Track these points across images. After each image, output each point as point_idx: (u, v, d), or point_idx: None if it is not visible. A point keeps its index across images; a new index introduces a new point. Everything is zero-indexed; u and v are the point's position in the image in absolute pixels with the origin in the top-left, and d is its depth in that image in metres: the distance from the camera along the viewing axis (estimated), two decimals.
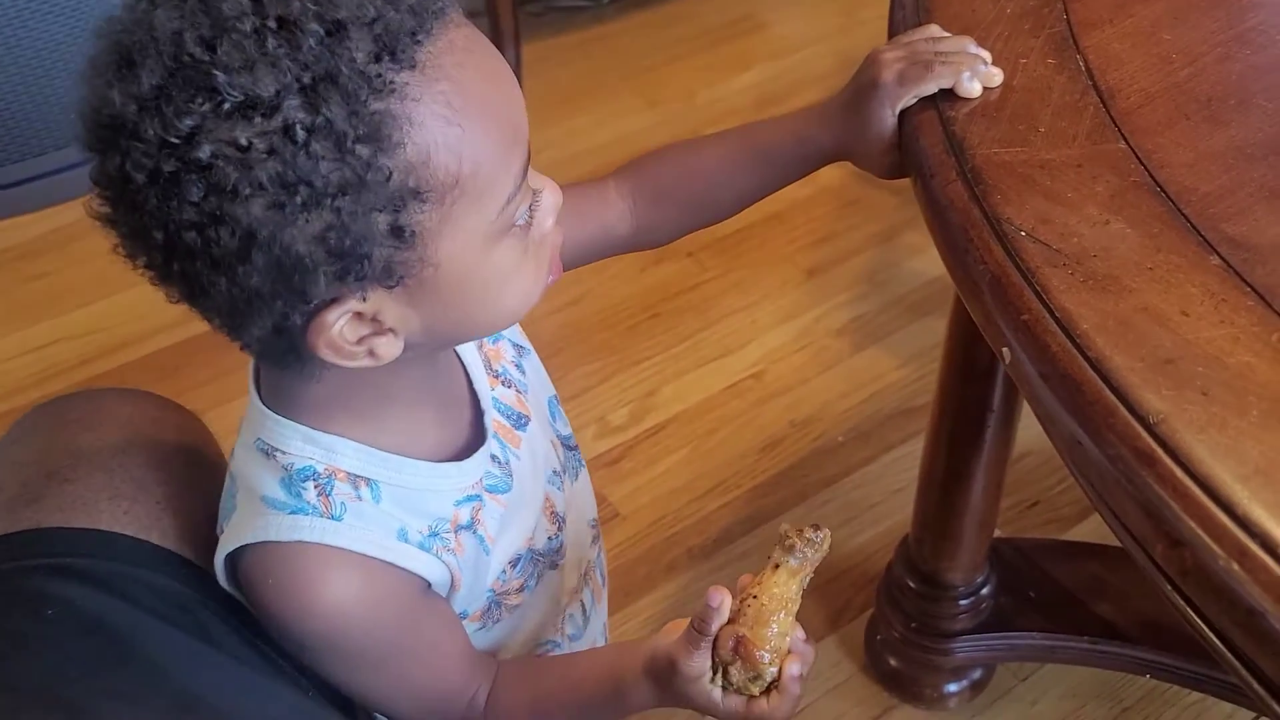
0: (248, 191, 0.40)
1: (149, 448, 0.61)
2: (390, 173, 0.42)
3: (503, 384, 0.63)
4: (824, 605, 1.24)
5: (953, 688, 1.14)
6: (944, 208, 0.52)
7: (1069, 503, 1.34)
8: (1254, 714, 1.11)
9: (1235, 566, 0.36)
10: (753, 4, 2.24)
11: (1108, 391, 0.43)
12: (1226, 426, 0.40)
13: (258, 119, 0.40)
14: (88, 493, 0.57)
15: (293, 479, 0.52)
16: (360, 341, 0.47)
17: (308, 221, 0.41)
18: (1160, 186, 0.51)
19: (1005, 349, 0.47)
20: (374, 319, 0.47)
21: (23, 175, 1.70)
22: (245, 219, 0.41)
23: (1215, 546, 0.37)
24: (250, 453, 0.53)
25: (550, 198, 0.52)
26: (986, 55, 0.58)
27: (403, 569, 0.54)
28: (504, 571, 0.62)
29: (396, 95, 0.42)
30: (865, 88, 0.61)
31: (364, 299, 0.45)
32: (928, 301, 1.58)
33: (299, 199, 0.41)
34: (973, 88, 0.57)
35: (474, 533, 0.58)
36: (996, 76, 0.57)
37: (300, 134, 0.40)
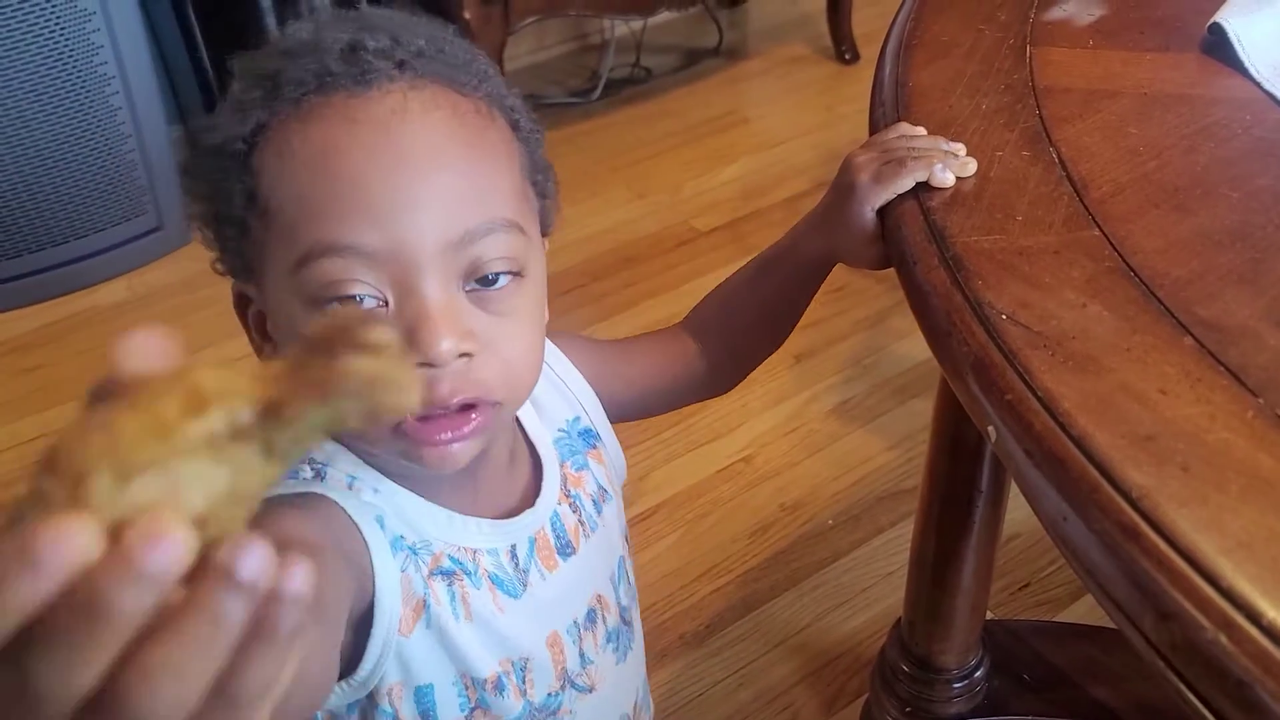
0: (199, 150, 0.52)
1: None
2: (242, 172, 0.49)
3: (570, 506, 0.61)
4: (818, 692, 1.23)
5: None
6: (927, 293, 0.54)
7: (1061, 584, 1.34)
8: None
9: (1223, 639, 0.37)
10: (736, 100, 2.31)
11: (1091, 468, 0.44)
12: (1208, 501, 0.42)
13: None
14: None
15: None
16: (261, 335, 0.53)
17: (205, 187, 0.51)
18: (1134, 271, 0.53)
19: (991, 428, 0.49)
20: (260, 318, 0.52)
21: (18, 271, 1.73)
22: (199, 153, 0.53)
23: (1202, 619, 0.38)
24: None
25: (432, 340, 0.46)
26: (959, 148, 0.60)
27: (360, 532, 0.50)
28: (466, 685, 0.55)
29: (254, 110, 0.49)
30: (844, 191, 0.63)
31: (247, 283, 0.52)
32: (915, 384, 1.60)
33: (207, 164, 0.51)
34: (946, 178, 0.59)
35: (449, 586, 0.54)
36: (970, 166, 0.60)
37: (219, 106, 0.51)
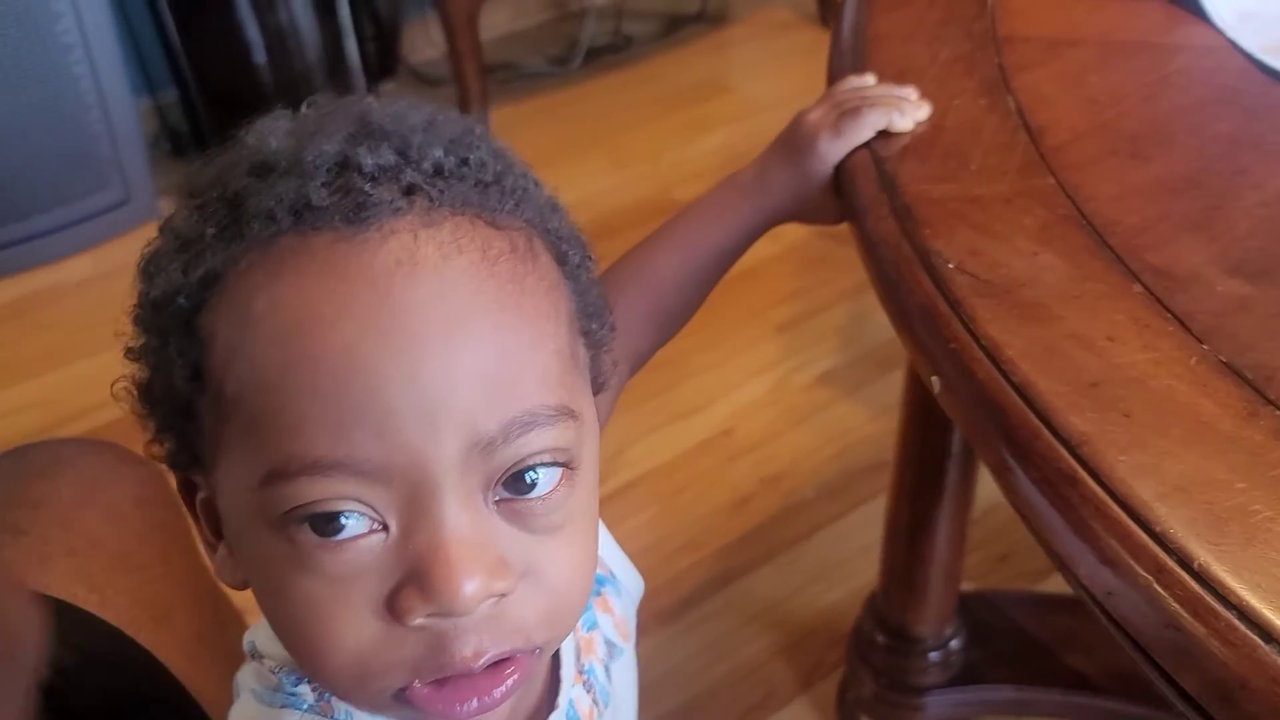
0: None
1: (106, 501, 0.60)
2: (175, 329, 0.36)
3: (584, 686, 0.48)
4: (794, 665, 1.22)
5: None
6: (876, 244, 0.53)
7: (1040, 554, 1.32)
8: None
9: (1155, 584, 0.36)
10: (718, 68, 2.28)
11: (1032, 415, 0.43)
12: (1148, 447, 0.40)
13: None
14: (45, 546, 0.56)
15: (281, 682, 0.40)
16: (211, 528, 0.40)
17: (149, 353, 0.38)
18: (1087, 219, 0.51)
19: (935, 378, 0.47)
20: (209, 506, 0.39)
21: None
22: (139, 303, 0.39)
23: (1135, 564, 0.37)
24: (248, 656, 0.43)
25: (450, 583, 0.33)
26: (910, 92, 0.59)
27: None
28: None
29: (208, 249, 0.35)
30: (802, 149, 0.61)
31: (196, 474, 0.39)
32: (898, 356, 1.59)
33: (145, 328, 0.38)
34: (903, 123, 0.58)
35: None
36: (924, 109, 0.59)
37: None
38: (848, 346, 1.61)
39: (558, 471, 0.36)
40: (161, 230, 0.38)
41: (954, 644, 1.07)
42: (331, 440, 0.32)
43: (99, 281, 1.73)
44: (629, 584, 0.54)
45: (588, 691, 0.48)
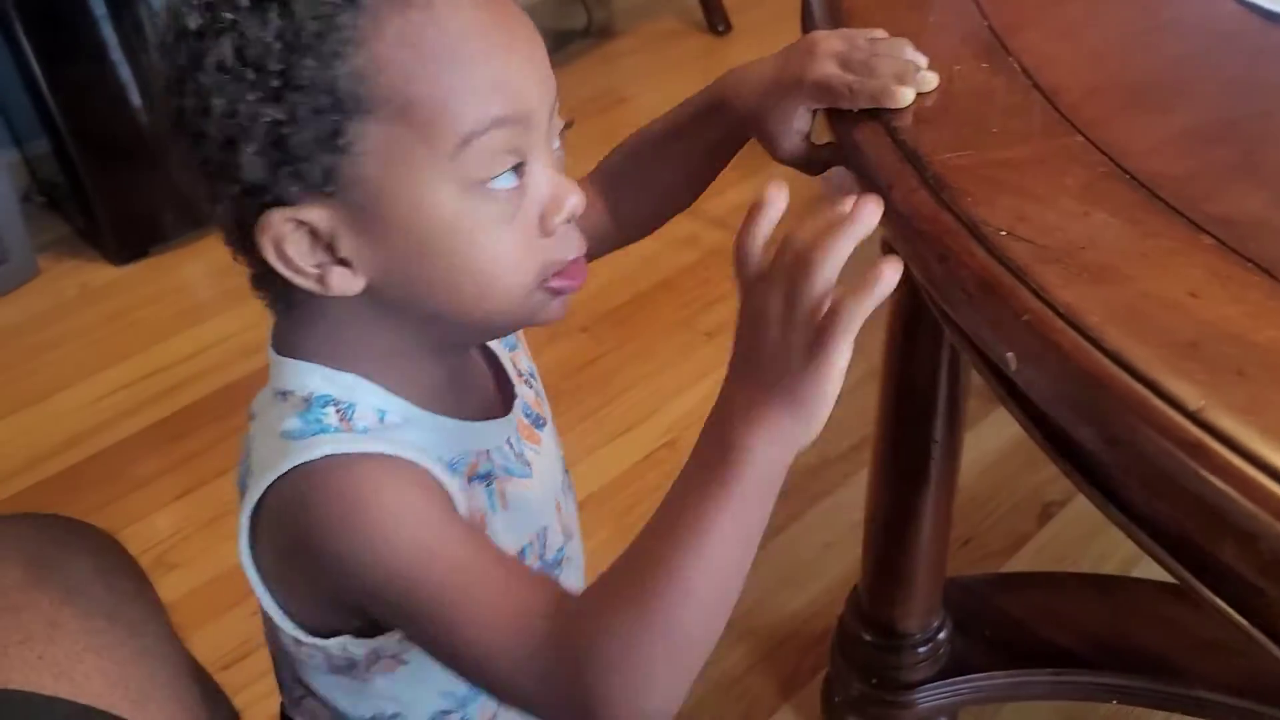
0: (210, 60, 0.45)
1: (61, 579, 0.52)
2: (336, 76, 0.45)
3: (525, 383, 0.63)
4: (773, 674, 1.19)
5: None
6: (910, 218, 0.49)
7: (1000, 535, 1.32)
8: None
9: None
10: (611, 80, 2.25)
11: (1137, 384, 0.39)
12: (1272, 404, 0.37)
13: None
14: None
15: (311, 407, 0.50)
16: (318, 266, 0.48)
17: (257, 101, 0.44)
18: (1130, 174, 0.49)
19: (1010, 355, 0.44)
20: (329, 245, 0.48)
21: None
22: (205, 85, 0.45)
23: None
24: (266, 405, 0.52)
25: (569, 196, 0.50)
26: (923, 60, 0.55)
27: (435, 477, 0.49)
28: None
29: (357, 8, 0.45)
30: (790, 79, 0.56)
31: (308, 208, 0.47)
32: None
33: (249, 76, 0.44)
34: (906, 95, 0.53)
35: (487, 487, 0.55)
36: (932, 80, 0.54)
37: (267, 15, 0.44)
38: None
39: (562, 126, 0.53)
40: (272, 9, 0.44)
41: (940, 635, 1.05)
42: (502, 100, 0.47)
43: None
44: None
45: (529, 387, 0.63)
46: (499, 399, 0.61)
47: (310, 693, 0.59)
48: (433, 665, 0.49)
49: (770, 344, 0.43)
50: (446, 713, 0.59)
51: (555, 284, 0.52)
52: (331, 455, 0.47)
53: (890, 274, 0.41)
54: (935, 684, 1.05)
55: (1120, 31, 0.59)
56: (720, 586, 0.44)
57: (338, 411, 0.50)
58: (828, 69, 0.55)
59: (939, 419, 0.86)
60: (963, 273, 0.46)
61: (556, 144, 0.52)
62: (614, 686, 0.42)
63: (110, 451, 1.44)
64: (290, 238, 0.47)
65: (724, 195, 1.86)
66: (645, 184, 0.65)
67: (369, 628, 0.53)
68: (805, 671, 1.19)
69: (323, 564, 0.47)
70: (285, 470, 0.47)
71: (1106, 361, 0.40)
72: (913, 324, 0.83)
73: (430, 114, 0.46)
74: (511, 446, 0.58)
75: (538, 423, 0.63)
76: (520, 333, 0.66)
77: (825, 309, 0.42)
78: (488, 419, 0.57)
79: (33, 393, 1.53)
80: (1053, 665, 1.04)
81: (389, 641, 0.53)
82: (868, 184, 0.53)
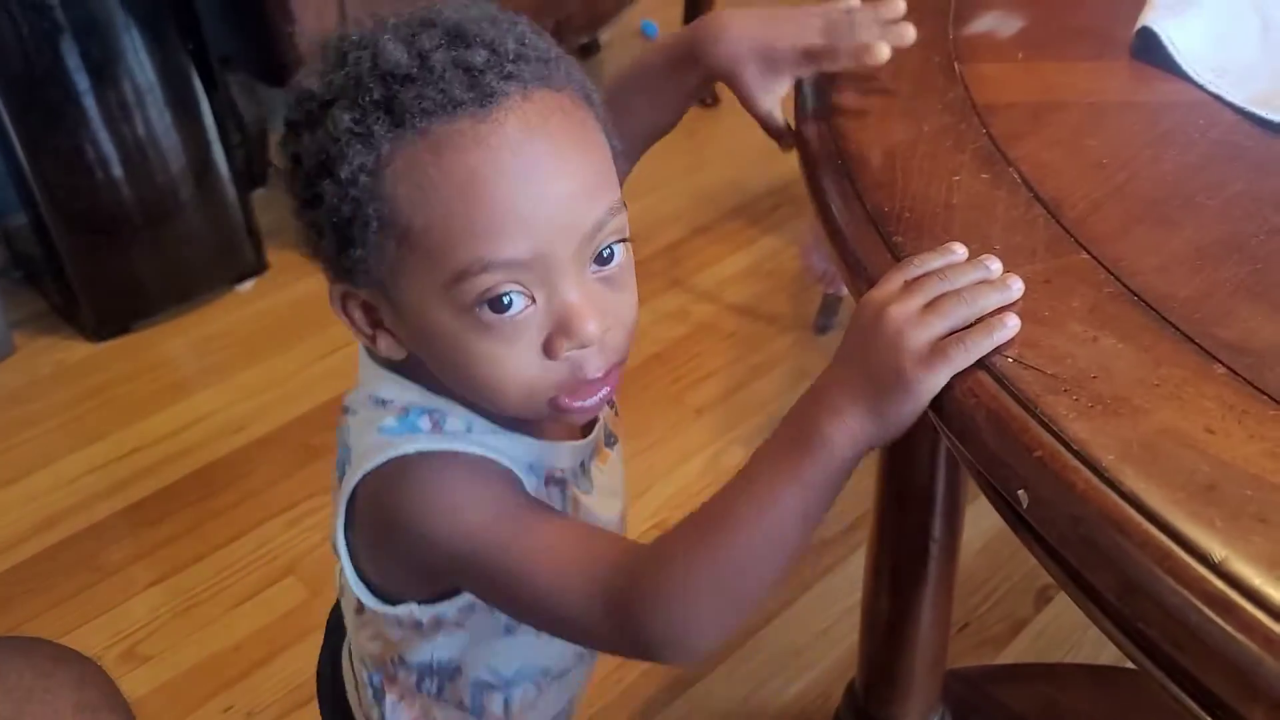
0: (287, 152, 0.52)
1: (41, 715, 0.50)
2: (352, 196, 0.49)
3: (605, 402, 0.65)
4: None
5: None
6: None
7: (998, 620, 1.30)
8: None
9: None
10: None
11: (1156, 531, 0.38)
12: None
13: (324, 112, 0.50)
14: None
15: (407, 414, 0.56)
16: (371, 328, 0.55)
17: (306, 198, 0.51)
18: (1137, 295, 0.47)
19: (1021, 492, 0.42)
20: (374, 317, 0.54)
21: None
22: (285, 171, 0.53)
23: None
24: (362, 405, 0.58)
25: (584, 326, 0.51)
26: (898, 9, 0.61)
27: (513, 471, 0.56)
28: None
29: (378, 140, 0.48)
30: (779, 49, 0.61)
31: (356, 287, 0.53)
32: None
33: (299, 176, 0.51)
34: (883, 51, 0.59)
35: (562, 493, 0.60)
36: (910, 33, 0.61)
37: (314, 132, 0.50)
38: (771, 423, 1.57)
39: (623, 245, 0.54)
40: (319, 125, 0.50)
41: None
42: (496, 247, 0.49)
43: None
44: None
45: (610, 406, 0.67)
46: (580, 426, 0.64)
47: (369, 630, 0.65)
48: (486, 639, 0.61)
49: (882, 348, 0.46)
50: (491, 686, 0.64)
51: (561, 403, 0.53)
52: (423, 451, 0.54)
53: (1013, 322, 0.45)
54: None
55: (1123, 141, 0.58)
56: (772, 553, 0.48)
57: (431, 419, 0.56)
58: (812, 38, 0.60)
59: (937, 518, 0.84)
60: (971, 402, 0.44)
61: (613, 253, 0.53)
62: (664, 622, 0.49)
63: (83, 536, 1.40)
64: (349, 302, 0.55)
65: (712, 269, 1.87)
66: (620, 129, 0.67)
67: (435, 595, 0.59)
68: None
69: (411, 541, 0.54)
70: (381, 462, 0.54)
71: (1123, 504, 0.39)
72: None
73: (428, 246, 0.49)
74: (584, 465, 0.63)
75: (609, 440, 0.67)
76: None
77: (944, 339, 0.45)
78: (569, 440, 0.62)
79: (5, 474, 1.49)
80: None
81: (450, 609, 0.59)
82: (860, 300, 0.51)
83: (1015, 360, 0.44)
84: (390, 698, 0.66)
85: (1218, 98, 0.60)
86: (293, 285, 1.84)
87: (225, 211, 1.75)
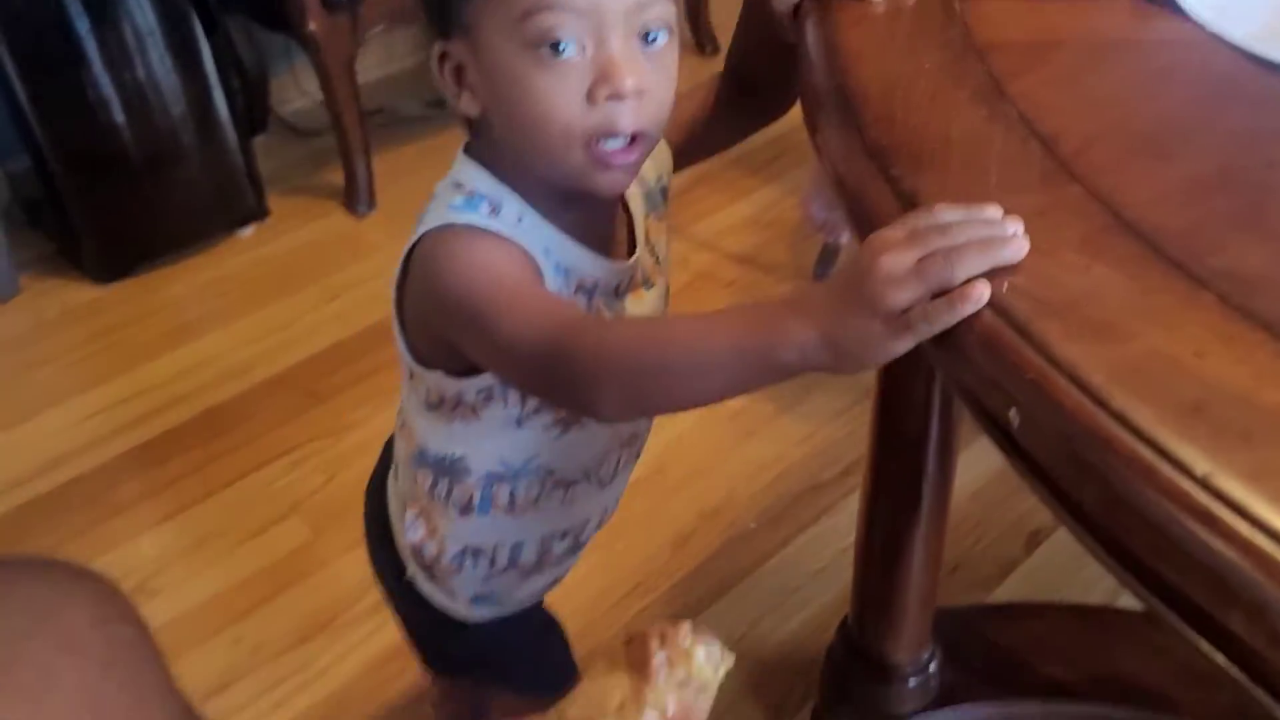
0: None
1: (58, 629, 0.51)
2: None
3: (649, 252, 0.74)
4: (762, 702, 1.18)
5: None
6: None
7: (988, 562, 1.32)
8: None
9: None
10: None
11: (1143, 447, 0.39)
12: (1279, 471, 0.37)
13: None
14: None
15: (472, 199, 0.64)
16: (458, 85, 0.64)
17: None
18: (1130, 226, 0.48)
19: (1012, 411, 0.43)
20: (458, 69, 0.64)
21: None
22: None
23: None
24: (445, 187, 0.66)
25: (621, 79, 0.59)
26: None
27: (541, 266, 0.64)
28: None
29: None
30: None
31: (450, 42, 0.63)
32: (816, 377, 1.57)
33: None
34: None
35: (588, 300, 0.68)
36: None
37: None
38: None
39: (666, 33, 0.62)
40: None
41: (931, 667, 1.04)
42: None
43: None
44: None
45: (651, 255, 0.74)
46: (626, 251, 0.72)
47: (405, 424, 0.76)
48: (499, 430, 0.70)
49: (863, 299, 0.47)
50: (499, 477, 0.73)
51: (596, 150, 0.61)
52: (471, 225, 0.63)
53: (978, 294, 0.44)
54: (925, 715, 1.04)
55: (1120, 78, 0.59)
56: (685, 387, 0.55)
57: (490, 207, 0.64)
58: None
59: (931, 453, 0.86)
60: (964, 327, 0.45)
61: (657, 37, 0.61)
62: (585, 388, 0.56)
63: (92, 475, 1.42)
64: (445, 63, 0.64)
65: (712, 218, 1.88)
66: (748, 70, 0.79)
67: (458, 369, 0.67)
68: (794, 700, 1.19)
69: (430, 294, 0.63)
70: (436, 226, 0.63)
71: (1111, 422, 0.40)
72: (905, 360, 0.82)
73: None
74: (617, 289, 0.71)
75: (646, 283, 0.74)
76: (665, 211, 0.78)
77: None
78: (607, 257, 0.69)
79: (13, 414, 1.51)
80: (1042, 696, 1.04)
81: (470, 389, 0.68)
82: (864, 230, 0.53)
83: (1009, 287, 0.46)
84: (410, 512, 0.77)
85: (1217, 36, 0.61)
86: (293, 232, 1.85)
87: (226, 156, 1.75)
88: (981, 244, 0.45)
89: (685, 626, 0.37)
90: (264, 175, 1.84)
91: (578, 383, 0.57)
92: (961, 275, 0.45)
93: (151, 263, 1.75)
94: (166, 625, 1.24)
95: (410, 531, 0.78)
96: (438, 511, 0.76)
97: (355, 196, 1.88)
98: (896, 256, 0.46)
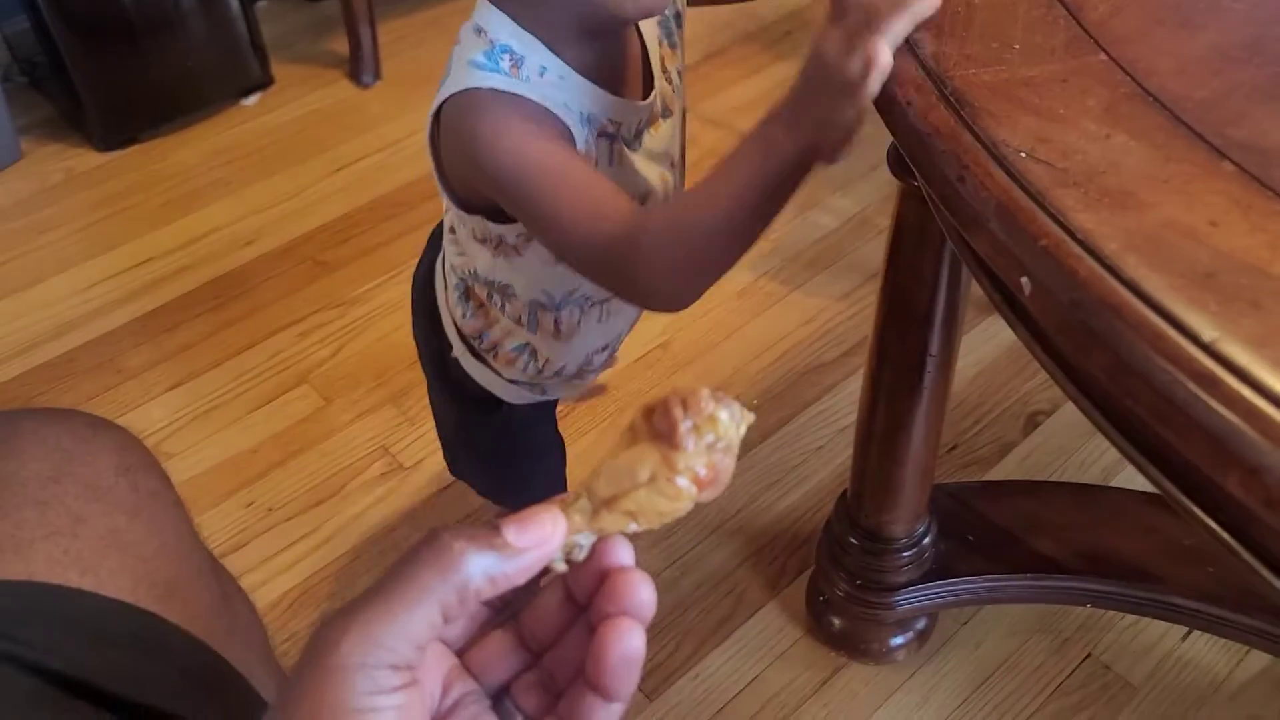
0: None
1: (85, 475, 0.53)
2: None
3: (666, 79, 0.76)
4: (760, 572, 1.21)
5: (899, 640, 1.12)
6: (929, 136, 0.48)
7: (986, 443, 1.34)
8: (1185, 629, 1.14)
9: None
10: None
11: (1151, 313, 0.39)
12: None
13: None
14: (19, 531, 0.49)
15: (493, 50, 0.64)
16: None
17: None
18: (1153, 95, 0.48)
19: (1024, 279, 0.44)
20: None
21: None
22: None
23: None
24: (467, 34, 0.67)
25: None
26: None
27: (566, 124, 0.65)
28: None
29: None
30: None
31: None
32: (825, 256, 1.57)
33: None
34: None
35: (611, 146, 0.71)
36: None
37: None
38: (773, 253, 1.58)
39: None
40: None
41: (925, 540, 1.07)
42: None
43: None
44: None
45: (668, 82, 0.76)
46: (641, 86, 0.74)
47: (457, 240, 0.79)
48: (539, 266, 0.73)
49: (818, 78, 0.52)
50: (542, 306, 0.78)
51: None
52: (496, 89, 0.63)
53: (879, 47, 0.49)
54: (918, 586, 1.08)
55: None
56: (735, 239, 0.59)
57: (511, 60, 0.64)
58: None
59: (935, 332, 0.86)
60: (981, 194, 0.45)
61: None
62: (646, 278, 0.60)
63: (101, 341, 1.43)
64: None
65: (722, 94, 1.84)
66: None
67: (499, 216, 0.70)
68: (791, 570, 1.22)
69: (473, 166, 0.64)
70: (462, 89, 0.64)
71: (1122, 289, 0.40)
72: (915, 236, 0.82)
73: None
74: (638, 128, 0.73)
75: (664, 113, 0.76)
76: (679, 37, 0.80)
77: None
78: (630, 97, 0.71)
79: (20, 279, 1.51)
80: (1032, 570, 1.07)
81: (509, 233, 0.72)
82: (883, 95, 0.52)
83: (1027, 155, 0.46)
84: (471, 304, 0.83)
85: None
86: (298, 101, 1.82)
87: (228, 21, 1.71)
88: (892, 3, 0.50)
89: (704, 391, 0.37)
90: (268, 43, 1.80)
91: (639, 282, 0.61)
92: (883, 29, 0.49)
93: (155, 129, 1.73)
94: (180, 486, 1.26)
95: (470, 320, 0.83)
96: (496, 313, 0.81)
97: (360, 65, 1.84)
98: (829, 35, 0.52)
